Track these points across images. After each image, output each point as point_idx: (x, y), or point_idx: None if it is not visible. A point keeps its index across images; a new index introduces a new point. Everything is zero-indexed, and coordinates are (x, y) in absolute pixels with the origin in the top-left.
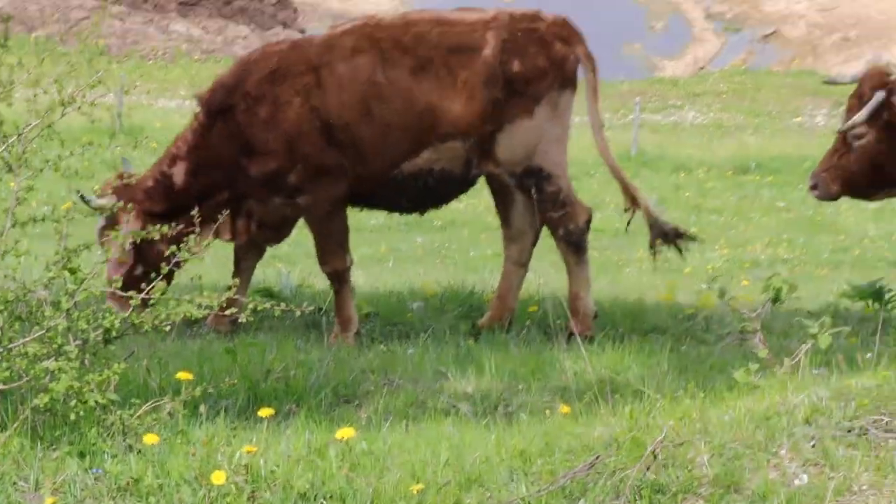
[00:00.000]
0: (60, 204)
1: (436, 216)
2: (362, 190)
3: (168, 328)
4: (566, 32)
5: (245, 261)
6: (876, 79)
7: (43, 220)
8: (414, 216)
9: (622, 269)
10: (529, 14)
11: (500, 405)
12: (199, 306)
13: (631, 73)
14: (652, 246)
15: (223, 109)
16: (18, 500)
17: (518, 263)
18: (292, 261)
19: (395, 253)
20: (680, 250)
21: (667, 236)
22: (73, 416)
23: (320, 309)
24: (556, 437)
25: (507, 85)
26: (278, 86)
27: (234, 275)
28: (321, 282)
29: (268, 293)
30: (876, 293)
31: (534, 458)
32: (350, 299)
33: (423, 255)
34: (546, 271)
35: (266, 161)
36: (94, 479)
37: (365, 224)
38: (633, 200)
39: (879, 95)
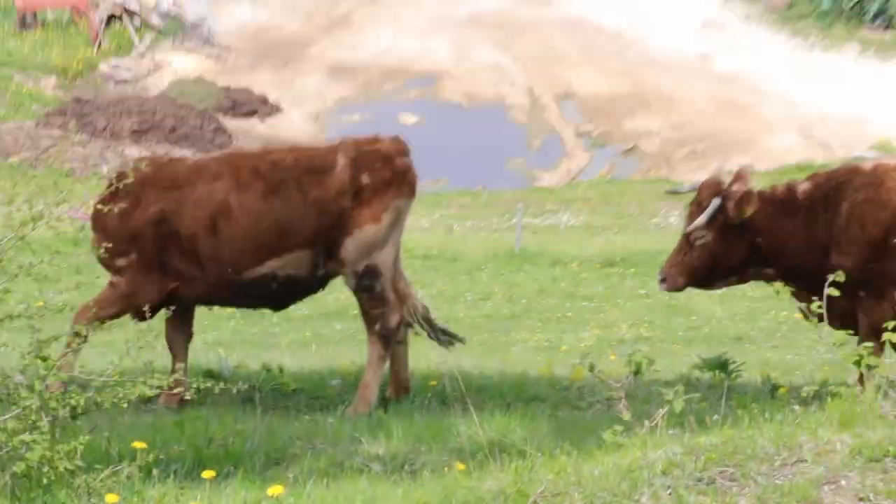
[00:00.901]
0: (33, 303)
1: (353, 307)
2: (206, 292)
3: (125, 405)
4: (403, 148)
5: (176, 345)
6: (712, 188)
7: (18, 316)
8: (335, 308)
9: (509, 348)
10: (371, 137)
11: (406, 464)
12: (151, 387)
13: (514, 184)
14: (431, 336)
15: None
16: None
17: (400, 342)
18: (231, 346)
19: (317, 338)
20: (447, 344)
21: (437, 334)
22: (45, 481)
23: (254, 386)
24: (453, 491)
25: (356, 196)
26: (147, 189)
27: (173, 358)
28: (255, 363)
29: (209, 374)
30: (722, 364)
31: None
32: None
33: (341, 339)
34: (443, 351)
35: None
36: None
37: (293, 314)
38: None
39: (716, 202)
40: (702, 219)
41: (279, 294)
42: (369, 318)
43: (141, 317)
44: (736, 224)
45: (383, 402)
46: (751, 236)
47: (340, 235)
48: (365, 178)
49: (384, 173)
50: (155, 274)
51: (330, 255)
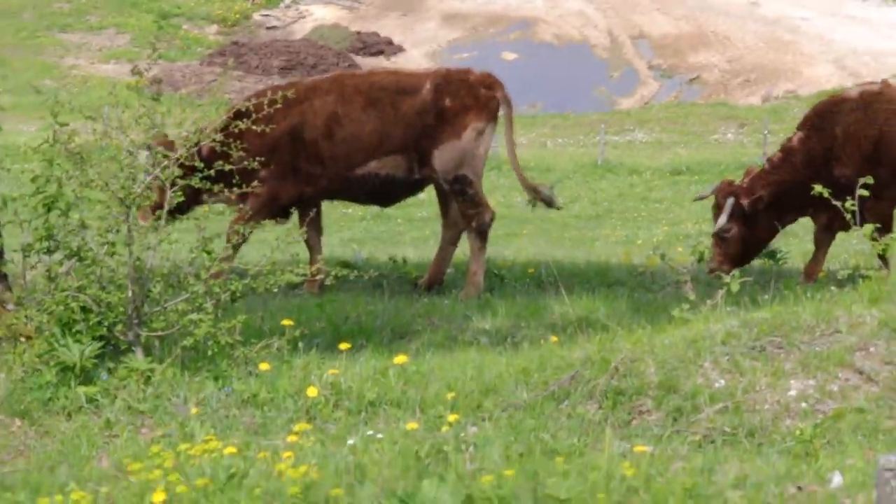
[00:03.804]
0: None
1: None
2: (327, 186)
3: (276, 290)
4: (489, 82)
5: (311, 239)
6: (725, 190)
7: (187, 218)
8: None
9: (593, 242)
10: (463, 69)
11: (509, 337)
12: (297, 275)
13: (597, 108)
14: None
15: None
16: (172, 411)
17: (451, 243)
18: (363, 242)
19: (435, 235)
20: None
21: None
22: (209, 352)
23: (382, 275)
24: (548, 359)
25: (438, 115)
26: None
27: (310, 250)
28: (383, 256)
29: (345, 264)
30: (771, 253)
31: (532, 373)
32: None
33: None
34: (540, 244)
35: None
36: (225, 395)
37: (414, 215)
38: (532, 191)
39: (730, 201)
40: (722, 219)
41: (383, 191)
42: (466, 217)
43: (281, 215)
44: (754, 211)
45: (416, 288)
46: (772, 210)
47: (429, 147)
48: (447, 101)
49: (466, 99)
50: (289, 178)
51: (423, 164)
